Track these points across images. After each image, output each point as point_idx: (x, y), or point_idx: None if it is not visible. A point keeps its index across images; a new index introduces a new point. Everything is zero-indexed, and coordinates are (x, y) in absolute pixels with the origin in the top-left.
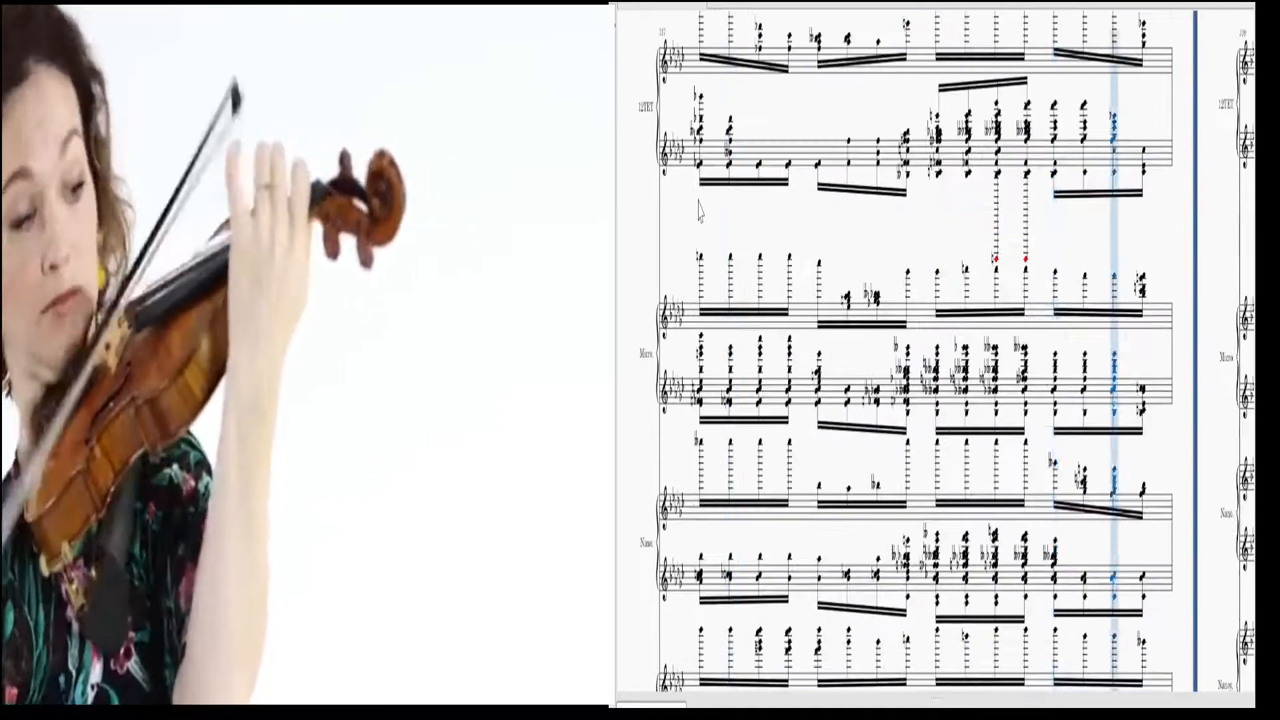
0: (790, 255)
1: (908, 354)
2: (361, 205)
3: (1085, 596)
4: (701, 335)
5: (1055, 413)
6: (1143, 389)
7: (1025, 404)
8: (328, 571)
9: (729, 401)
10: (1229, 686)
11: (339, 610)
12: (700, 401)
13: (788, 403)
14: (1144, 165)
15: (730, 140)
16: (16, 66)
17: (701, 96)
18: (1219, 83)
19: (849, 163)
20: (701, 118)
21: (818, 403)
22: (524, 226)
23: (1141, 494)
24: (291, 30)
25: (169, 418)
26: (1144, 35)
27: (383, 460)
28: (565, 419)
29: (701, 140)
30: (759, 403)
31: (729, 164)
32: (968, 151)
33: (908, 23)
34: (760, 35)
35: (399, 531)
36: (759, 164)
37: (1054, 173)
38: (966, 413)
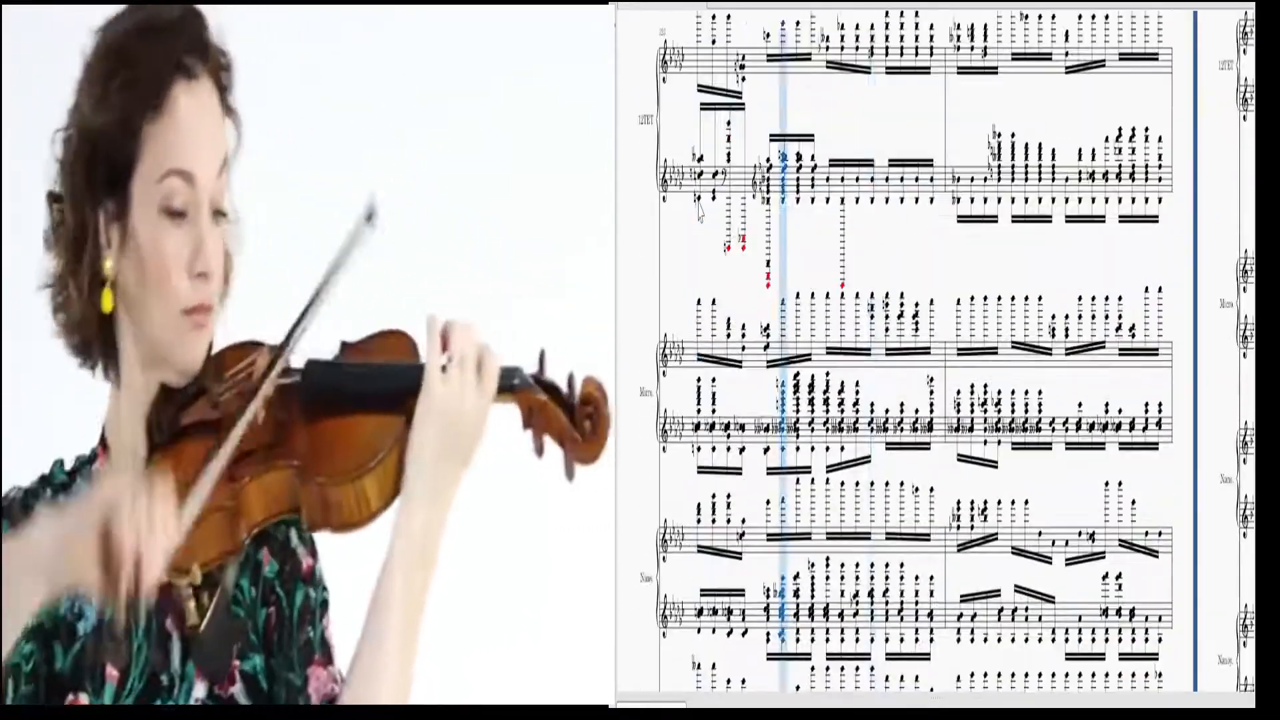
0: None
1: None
2: (565, 418)
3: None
4: (699, 379)
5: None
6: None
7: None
8: (327, 572)
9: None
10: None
11: (339, 611)
12: (697, 449)
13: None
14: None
15: (729, 164)
16: (187, 60)
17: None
18: (1218, 82)
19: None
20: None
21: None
22: (523, 228)
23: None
24: (290, 30)
25: (342, 513)
26: (1145, 34)
27: None
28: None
29: (701, 162)
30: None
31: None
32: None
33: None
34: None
35: None
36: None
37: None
38: (964, 451)
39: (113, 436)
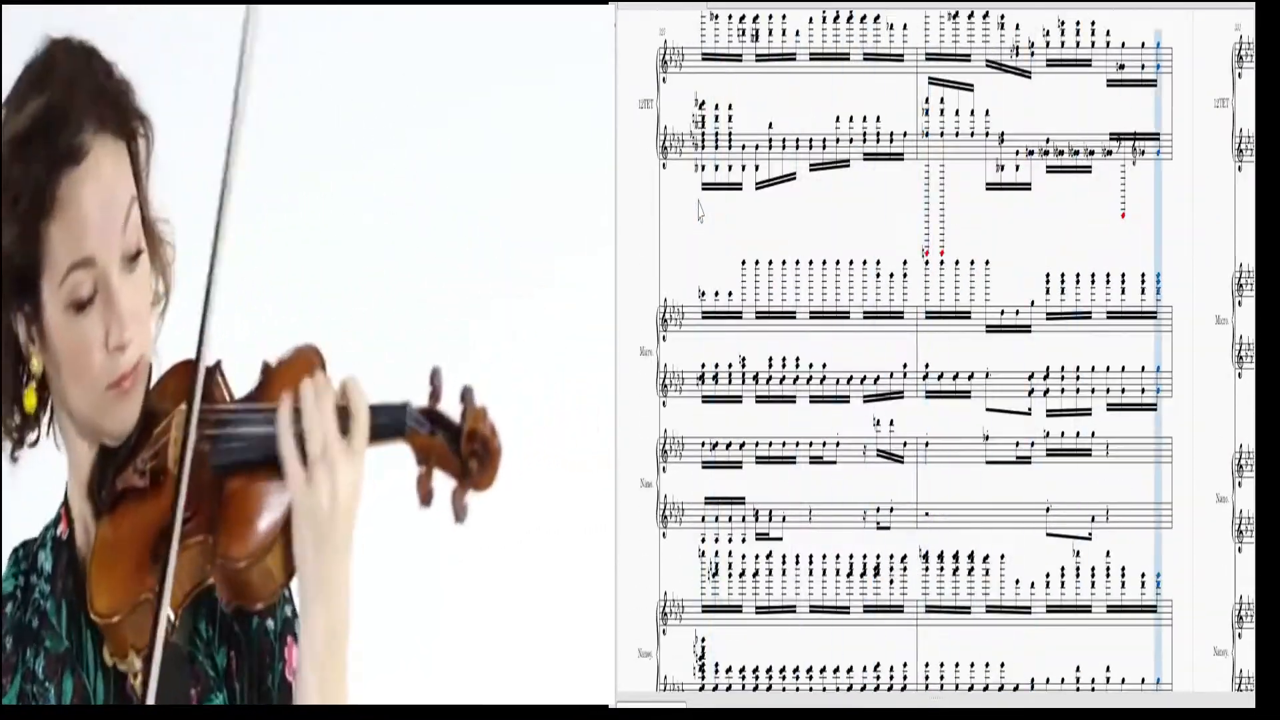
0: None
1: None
2: (454, 455)
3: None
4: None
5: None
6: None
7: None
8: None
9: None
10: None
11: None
12: (705, 389)
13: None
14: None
15: (730, 134)
16: (72, 144)
17: (702, 104)
18: (1216, 82)
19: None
20: (702, 119)
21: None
22: (523, 226)
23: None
24: (291, 25)
25: (251, 591)
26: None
27: (387, 460)
28: (568, 419)
29: (703, 134)
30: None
31: (729, 165)
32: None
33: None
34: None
35: (400, 532)
36: (756, 166)
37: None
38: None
39: (72, 502)
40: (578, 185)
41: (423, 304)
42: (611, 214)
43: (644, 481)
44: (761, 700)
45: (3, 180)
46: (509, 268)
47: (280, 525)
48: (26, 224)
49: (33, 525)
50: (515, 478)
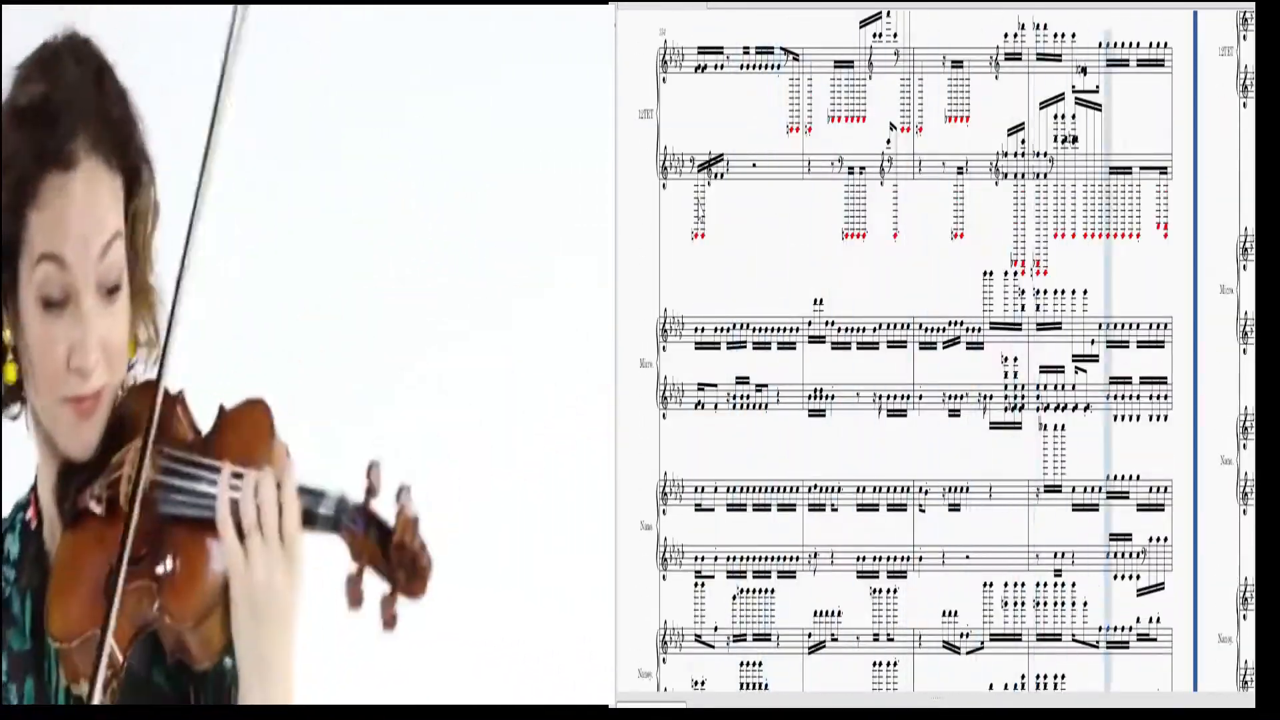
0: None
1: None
2: (385, 560)
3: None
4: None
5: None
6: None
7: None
8: (327, 569)
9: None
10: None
11: (339, 610)
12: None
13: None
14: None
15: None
16: (64, 150)
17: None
18: (1219, 85)
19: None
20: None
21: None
22: (521, 238)
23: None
24: (284, 30)
25: (190, 652)
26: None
27: (388, 460)
28: (567, 426)
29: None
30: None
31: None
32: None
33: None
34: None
35: None
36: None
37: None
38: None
39: (40, 494)
40: (575, 198)
41: (421, 297)
42: (610, 229)
43: (644, 522)
44: (762, 700)
45: (2, 140)
46: (507, 271)
47: (221, 591)
48: (12, 199)
49: (10, 493)
50: (516, 478)
